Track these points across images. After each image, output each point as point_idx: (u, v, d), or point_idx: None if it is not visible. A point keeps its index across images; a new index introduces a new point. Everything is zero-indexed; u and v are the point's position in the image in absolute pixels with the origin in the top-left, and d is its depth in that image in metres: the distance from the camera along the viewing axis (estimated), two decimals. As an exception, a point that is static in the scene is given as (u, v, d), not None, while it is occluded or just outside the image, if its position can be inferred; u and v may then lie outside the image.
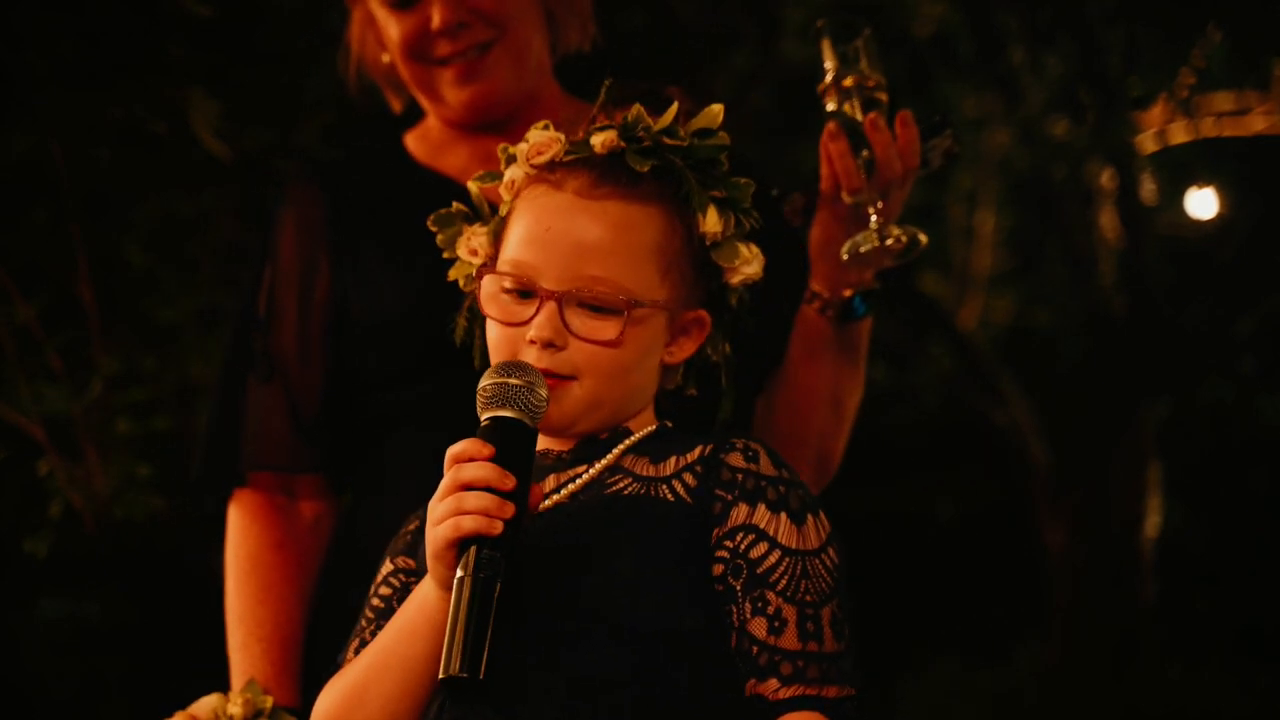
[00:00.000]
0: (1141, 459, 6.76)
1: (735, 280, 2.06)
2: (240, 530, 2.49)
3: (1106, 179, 6.97)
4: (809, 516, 1.93)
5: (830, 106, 2.33)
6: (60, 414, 3.58)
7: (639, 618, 1.86)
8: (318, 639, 2.44)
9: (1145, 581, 6.74)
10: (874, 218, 2.31)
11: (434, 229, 2.09)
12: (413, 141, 2.58)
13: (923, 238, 2.32)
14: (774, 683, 1.86)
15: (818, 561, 1.91)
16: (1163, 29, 5.20)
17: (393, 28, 2.48)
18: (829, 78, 2.34)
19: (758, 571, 1.89)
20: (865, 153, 2.29)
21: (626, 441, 1.99)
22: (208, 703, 2.29)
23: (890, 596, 6.80)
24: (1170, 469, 6.96)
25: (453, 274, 2.09)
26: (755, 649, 1.87)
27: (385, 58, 2.55)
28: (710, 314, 2.06)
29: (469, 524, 1.82)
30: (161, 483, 3.68)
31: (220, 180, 3.86)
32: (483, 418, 1.90)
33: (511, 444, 1.87)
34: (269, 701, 2.32)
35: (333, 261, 2.49)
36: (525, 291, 1.97)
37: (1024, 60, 5.92)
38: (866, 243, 2.31)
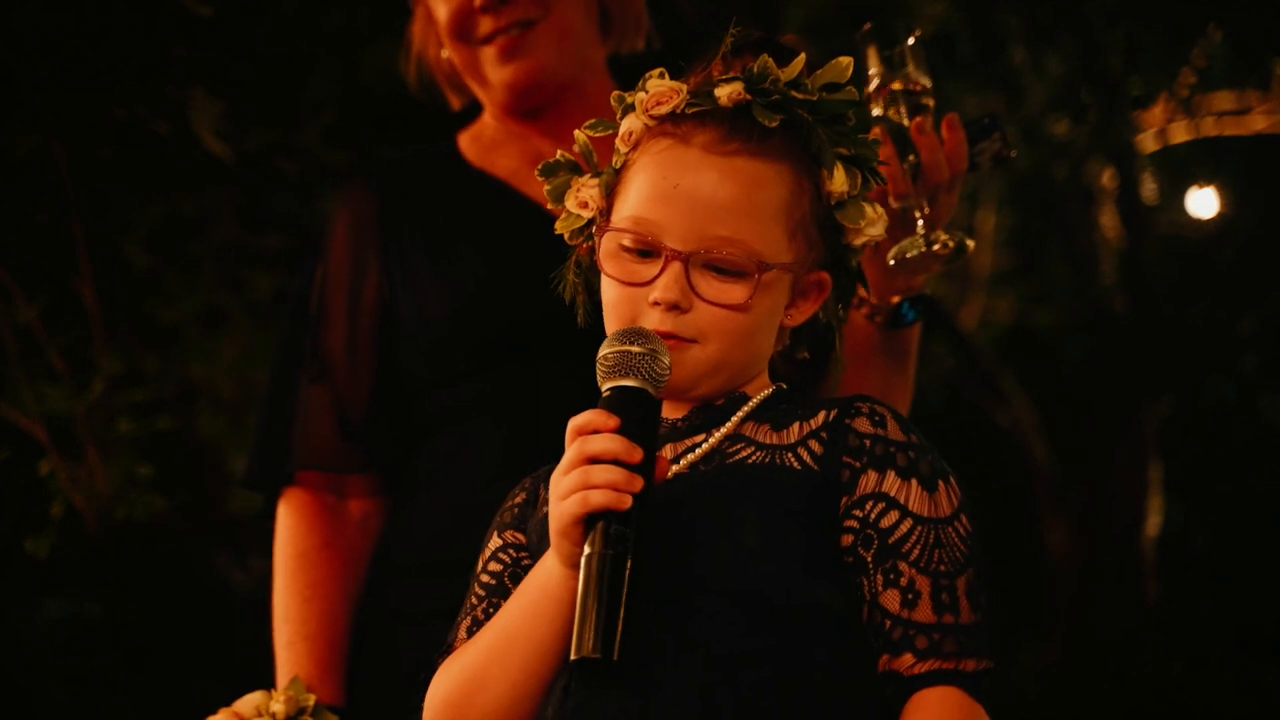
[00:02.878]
0: (1143, 458, 6.75)
1: (858, 242, 1.96)
2: (288, 529, 2.48)
3: (1107, 178, 6.97)
4: (940, 483, 1.85)
5: (876, 111, 2.29)
6: (62, 414, 3.59)
7: (772, 592, 1.78)
8: (363, 637, 2.44)
9: (1147, 581, 6.74)
10: (920, 223, 2.28)
11: (541, 179, 2.00)
12: (466, 142, 2.59)
13: (970, 242, 2.28)
14: (909, 658, 1.79)
15: (950, 530, 1.84)
16: (1163, 29, 5.21)
17: (441, 9, 2.50)
18: (874, 83, 2.29)
19: (889, 542, 1.81)
20: (912, 157, 2.26)
21: (745, 408, 1.90)
22: (251, 700, 2.29)
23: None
24: (1172, 469, 6.95)
25: (559, 227, 2.00)
26: (888, 623, 1.79)
27: (445, 53, 2.56)
28: (830, 276, 1.96)
29: (597, 499, 1.73)
30: (163, 483, 3.68)
31: (222, 180, 3.87)
32: (604, 387, 1.81)
33: (636, 415, 1.78)
34: (312, 699, 2.32)
35: (383, 263, 2.48)
36: (646, 250, 1.87)
37: (1025, 60, 5.92)
38: (913, 248, 2.27)
